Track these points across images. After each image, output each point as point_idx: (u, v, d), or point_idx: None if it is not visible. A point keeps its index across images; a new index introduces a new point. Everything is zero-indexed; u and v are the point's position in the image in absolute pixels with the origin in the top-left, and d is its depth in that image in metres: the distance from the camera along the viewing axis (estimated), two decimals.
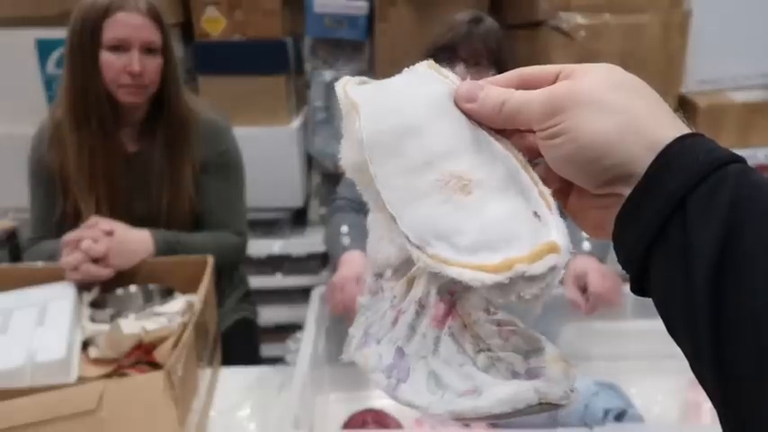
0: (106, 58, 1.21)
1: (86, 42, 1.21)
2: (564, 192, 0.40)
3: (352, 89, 0.43)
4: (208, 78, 2.05)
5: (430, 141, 0.39)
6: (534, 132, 0.37)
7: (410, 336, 0.39)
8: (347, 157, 0.41)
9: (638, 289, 0.34)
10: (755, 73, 2.05)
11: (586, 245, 1.15)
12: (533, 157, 0.39)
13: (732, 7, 1.99)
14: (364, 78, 0.45)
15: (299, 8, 2.04)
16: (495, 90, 0.39)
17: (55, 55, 1.91)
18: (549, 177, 0.38)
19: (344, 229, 1.22)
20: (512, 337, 0.38)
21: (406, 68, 0.44)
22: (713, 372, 0.29)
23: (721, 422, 0.29)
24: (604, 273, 1.08)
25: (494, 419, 0.37)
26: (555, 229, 0.35)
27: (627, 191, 0.34)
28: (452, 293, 0.39)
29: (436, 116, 0.40)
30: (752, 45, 2.01)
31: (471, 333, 0.38)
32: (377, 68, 2.08)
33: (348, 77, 0.45)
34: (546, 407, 0.36)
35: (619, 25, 1.86)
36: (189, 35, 2.07)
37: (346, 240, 1.20)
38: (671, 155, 0.32)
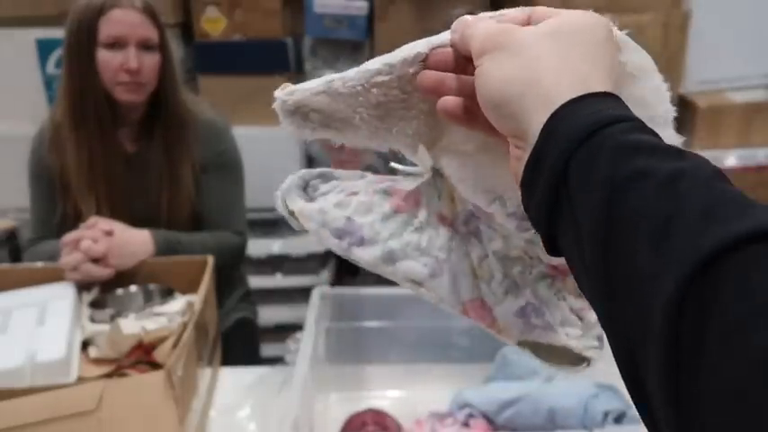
0: (103, 56, 1.21)
1: (83, 41, 1.21)
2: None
3: None
4: (208, 78, 2.05)
5: None
6: None
7: (386, 217, 0.48)
8: None
9: (552, 249, 0.35)
10: (755, 73, 2.05)
11: None
12: None
13: (732, 7, 1.99)
14: None
15: (299, 8, 2.04)
16: (473, 21, 0.40)
17: (55, 55, 1.91)
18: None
19: None
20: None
21: None
22: (608, 334, 0.30)
23: (627, 388, 0.29)
24: None
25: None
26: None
27: (529, 149, 0.34)
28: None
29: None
30: (752, 45, 2.01)
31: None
32: None
33: None
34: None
35: (619, 25, 1.86)
36: (189, 35, 2.07)
37: None
38: (556, 121, 0.32)
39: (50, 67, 1.93)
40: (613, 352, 0.30)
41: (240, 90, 2.02)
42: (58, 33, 1.83)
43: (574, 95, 0.33)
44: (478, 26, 0.39)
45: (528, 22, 0.39)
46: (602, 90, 0.33)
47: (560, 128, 0.32)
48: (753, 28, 2.00)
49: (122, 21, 1.21)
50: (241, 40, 2.01)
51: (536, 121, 0.33)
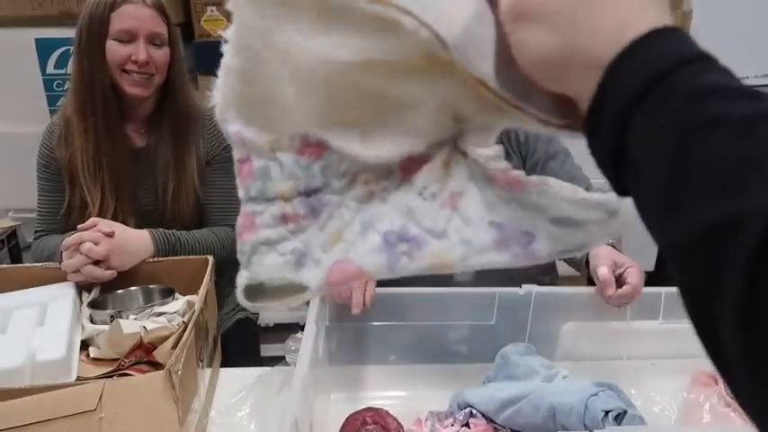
0: (111, 45, 1.25)
1: (94, 35, 1.24)
2: None
3: None
4: (208, 78, 2.05)
5: None
6: None
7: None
8: None
9: (621, 193, 0.33)
10: (755, 73, 2.05)
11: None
12: None
13: (732, 7, 1.99)
14: None
15: None
16: None
17: (55, 55, 1.91)
18: None
19: None
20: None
21: None
22: (679, 285, 0.29)
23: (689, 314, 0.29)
24: (640, 272, 1.08)
25: None
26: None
27: (584, 105, 0.32)
28: None
29: None
30: (752, 45, 2.01)
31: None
32: None
33: None
34: None
35: None
36: (189, 35, 2.07)
37: None
38: (609, 82, 0.31)
39: (50, 67, 1.93)
40: (684, 301, 0.28)
41: None
42: (57, 33, 1.84)
43: (617, 50, 0.30)
44: None
45: None
46: (648, 28, 0.31)
47: (612, 87, 0.31)
48: (753, 28, 2.00)
49: (133, 15, 1.25)
50: None
51: (586, 83, 0.32)
